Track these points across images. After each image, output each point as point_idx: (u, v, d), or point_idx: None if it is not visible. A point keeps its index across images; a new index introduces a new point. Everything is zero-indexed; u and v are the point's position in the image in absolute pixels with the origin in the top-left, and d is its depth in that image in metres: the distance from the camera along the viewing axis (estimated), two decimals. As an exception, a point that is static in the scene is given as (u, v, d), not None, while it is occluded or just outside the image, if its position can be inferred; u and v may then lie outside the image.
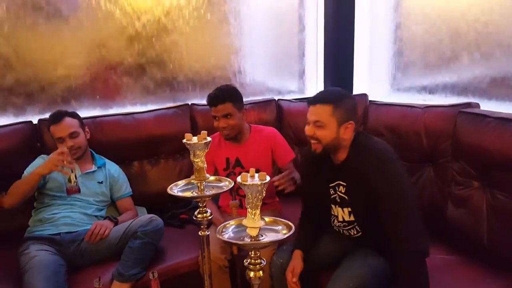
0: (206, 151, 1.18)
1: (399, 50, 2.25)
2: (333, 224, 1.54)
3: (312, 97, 1.44)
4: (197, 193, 1.20)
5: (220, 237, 1.00)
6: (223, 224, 1.04)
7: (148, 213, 1.95)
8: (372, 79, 2.47)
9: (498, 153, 1.48)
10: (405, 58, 2.22)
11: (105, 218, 1.81)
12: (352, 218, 1.45)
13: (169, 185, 1.19)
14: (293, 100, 2.46)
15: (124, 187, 1.97)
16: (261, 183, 0.95)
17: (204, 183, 1.20)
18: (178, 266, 1.69)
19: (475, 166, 1.59)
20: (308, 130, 1.41)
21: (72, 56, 2.15)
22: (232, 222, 1.05)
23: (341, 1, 2.46)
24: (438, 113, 1.76)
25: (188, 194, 1.22)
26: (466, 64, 1.91)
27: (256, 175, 0.97)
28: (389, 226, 1.31)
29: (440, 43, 2.00)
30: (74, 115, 1.87)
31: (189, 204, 2.11)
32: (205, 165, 1.20)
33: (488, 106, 1.76)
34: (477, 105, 1.74)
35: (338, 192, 1.46)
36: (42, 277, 1.47)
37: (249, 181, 0.95)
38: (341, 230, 1.52)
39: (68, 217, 1.76)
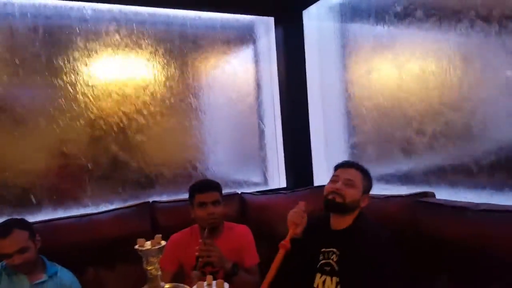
0: (160, 256, 1.13)
1: (353, 141, 2.39)
2: None
3: (344, 161, 1.61)
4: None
5: None
6: None
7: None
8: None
9: (460, 243, 1.48)
10: (360, 149, 2.34)
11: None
12: None
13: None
14: (256, 193, 2.46)
15: (77, 298, 1.81)
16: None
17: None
18: None
19: (440, 258, 1.57)
20: (338, 185, 1.51)
21: (28, 157, 2.13)
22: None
23: (294, 93, 2.63)
24: (397, 203, 1.80)
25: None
26: (419, 153, 2.01)
27: (214, 282, 0.94)
28: None
29: (392, 133, 2.14)
30: (24, 226, 1.75)
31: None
32: (159, 273, 1.14)
33: (442, 193, 1.81)
34: (432, 194, 1.78)
35: (330, 260, 1.48)
36: None
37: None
38: None
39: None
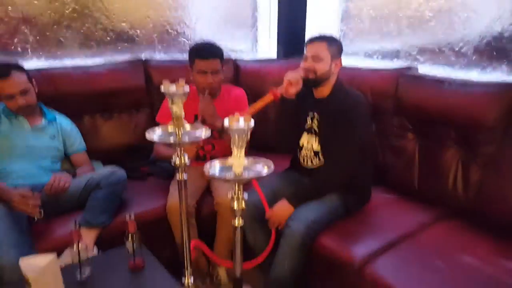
0: (185, 100, 1.21)
1: (346, 18, 2.40)
2: (299, 155, 1.75)
3: (309, 38, 1.65)
4: (175, 140, 1.24)
5: (207, 174, 1.06)
6: (209, 163, 1.11)
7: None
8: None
9: (431, 109, 1.73)
10: (352, 25, 2.38)
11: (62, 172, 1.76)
12: (318, 148, 1.68)
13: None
14: (250, 60, 2.51)
15: (78, 142, 1.92)
16: (247, 127, 1.04)
17: (182, 130, 1.24)
18: (145, 214, 1.72)
19: (411, 121, 1.85)
20: (307, 63, 1.61)
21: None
22: (217, 162, 1.12)
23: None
24: (382, 75, 1.98)
25: (166, 140, 1.25)
26: (406, 32, 2.10)
27: (241, 119, 1.06)
28: (338, 151, 1.59)
29: (383, 13, 2.18)
30: (21, 69, 1.71)
31: (148, 157, 2.10)
32: (183, 113, 1.24)
33: (424, 69, 1.99)
34: (416, 69, 1.98)
35: (313, 123, 1.69)
36: (3, 226, 1.42)
37: (235, 125, 1.04)
38: (305, 159, 1.74)
39: (23, 170, 1.69)
